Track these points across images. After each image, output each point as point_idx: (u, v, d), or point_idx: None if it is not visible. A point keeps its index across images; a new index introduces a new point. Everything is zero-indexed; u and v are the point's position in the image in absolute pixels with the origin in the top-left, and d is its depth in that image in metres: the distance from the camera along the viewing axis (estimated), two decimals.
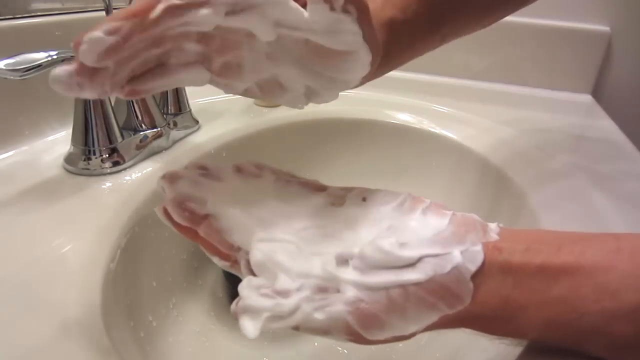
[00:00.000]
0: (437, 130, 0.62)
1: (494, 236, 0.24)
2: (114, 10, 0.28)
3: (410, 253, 0.23)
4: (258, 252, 0.24)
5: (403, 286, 0.22)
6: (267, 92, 0.28)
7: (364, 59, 0.28)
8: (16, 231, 0.35)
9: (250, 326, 0.22)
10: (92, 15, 0.52)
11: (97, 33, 0.20)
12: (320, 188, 0.30)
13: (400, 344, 0.45)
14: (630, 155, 0.55)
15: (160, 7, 0.21)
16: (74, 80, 0.21)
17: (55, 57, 0.37)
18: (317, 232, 0.26)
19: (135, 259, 0.39)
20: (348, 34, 0.26)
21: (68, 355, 0.26)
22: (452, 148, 0.59)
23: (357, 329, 0.22)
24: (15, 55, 0.35)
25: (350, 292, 0.23)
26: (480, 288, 0.23)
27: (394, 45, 0.32)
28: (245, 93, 0.28)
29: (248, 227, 0.26)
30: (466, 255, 0.23)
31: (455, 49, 0.84)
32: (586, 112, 0.74)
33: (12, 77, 0.34)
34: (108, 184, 0.42)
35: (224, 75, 0.26)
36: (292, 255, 0.24)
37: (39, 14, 0.48)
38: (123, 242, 0.37)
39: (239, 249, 0.26)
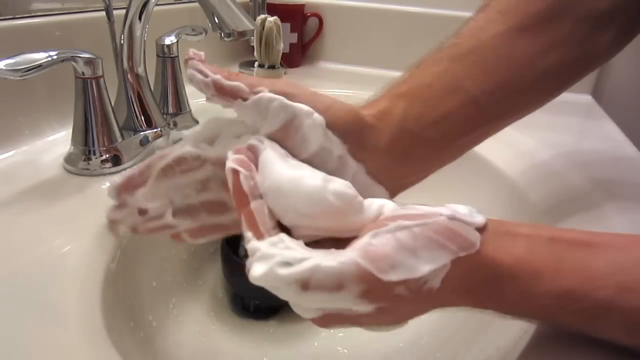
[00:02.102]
0: None
1: None
2: None
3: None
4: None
5: (408, 228, 0.23)
6: None
7: None
8: (16, 231, 0.35)
9: (257, 267, 0.22)
10: (92, 15, 0.52)
11: None
12: None
13: (401, 344, 0.45)
14: (630, 156, 0.55)
15: None
16: None
17: (55, 57, 0.37)
18: None
19: (135, 259, 0.39)
20: None
21: (68, 355, 0.26)
22: None
23: (369, 267, 0.21)
24: (15, 55, 0.35)
25: (358, 242, 0.23)
26: (489, 241, 0.23)
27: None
28: None
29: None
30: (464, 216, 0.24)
31: None
32: (586, 112, 0.74)
33: (12, 77, 0.34)
34: (108, 184, 0.42)
35: None
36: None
37: (39, 14, 0.48)
38: (123, 242, 0.37)
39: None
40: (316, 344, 0.47)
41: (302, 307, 0.24)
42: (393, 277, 0.22)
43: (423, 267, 0.22)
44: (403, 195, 0.32)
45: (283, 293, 0.22)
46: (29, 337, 0.26)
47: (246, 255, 0.24)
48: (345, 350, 0.46)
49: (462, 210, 0.24)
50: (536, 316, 0.25)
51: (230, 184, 0.25)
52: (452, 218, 0.23)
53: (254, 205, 0.25)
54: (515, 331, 0.31)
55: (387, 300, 0.23)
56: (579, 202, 0.44)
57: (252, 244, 0.23)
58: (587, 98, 0.78)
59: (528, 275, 0.23)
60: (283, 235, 0.23)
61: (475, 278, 0.23)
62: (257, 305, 0.49)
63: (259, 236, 0.24)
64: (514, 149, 0.56)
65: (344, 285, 0.21)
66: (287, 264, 0.22)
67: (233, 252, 0.47)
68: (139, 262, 0.40)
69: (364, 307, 0.23)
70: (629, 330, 0.23)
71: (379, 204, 0.26)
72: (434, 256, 0.22)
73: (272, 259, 0.22)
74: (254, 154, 0.27)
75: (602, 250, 0.24)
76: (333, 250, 0.23)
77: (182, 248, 0.48)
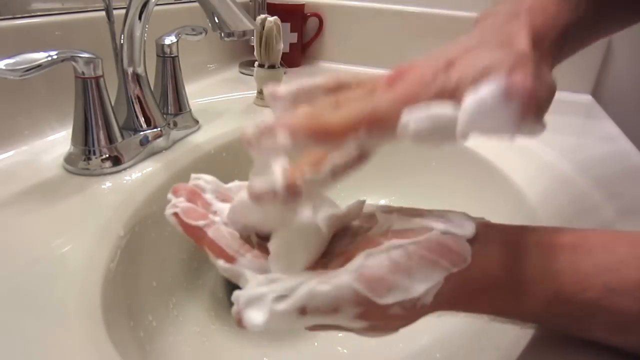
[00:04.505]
0: None
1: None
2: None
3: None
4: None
5: (402, 246, 0.22)
6: None
7: None
8: (16, 231, 0.35)
9: (256, 315, 0.21)
10: (92, 15, 0.52)
11: None
12: None
13: (401, 344, 0.45)
14: (630, 156, 0.55)
15: None
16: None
17: (55, 57, 0.37)
18: None
19: (135, 259, 0.39)
20: None
21: (68, 355, 0.26)
22: (452, 148, 0.59)
23: (366, 293, 0.21)
24: (15, 55, 0.35)
25: (352, 263, 0.22)
26: (479, 253, 0.23)
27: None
28: None
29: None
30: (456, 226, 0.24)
31: None
32: (586, 112, 0.74)
33: (12, 77, 0.34)
34: (108, 184, 0.42)
35: None
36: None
37: (39, 14, 0.48)
38: (123, 242, 0.37)
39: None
40: (316, 344, 0.47)
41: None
42: (389, 300, 0.22)
43: (418, 287, 0.22)
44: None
45: (281, 323, 0.21)
46: (29, 337, 0.26)
47: None
48: (345, 351, 0.46)
49: (454, 219, 0.24)
50: (525, 319, 0.26)
51: (179, 228, 0.26)
52: (444, 232, 0.23)
53: (211, 233, 0.25)
54: (515, 331, 0.31)
55: (381, 319, 0.23)
56: (578, 202, 0.44)
57: (235, 293, 0.22)
58: (587, 98, 0.78)
59: (515, 282, 0.23)
60: (260, 277, 0.22)
61: (465, 289, 0.23)
62: None
63: (230, 259, 0.25)
64: (514, 148, 0.56)
65: (340, 309, 0.21)
66: (282, 296, 0.21)
67: None
68: (139, 262, 0.40)
69: (358, 325, 0.23)
70: (618, 331, 0.23)
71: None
72: (428, 275, 0.22)
73: (265, 298, 0.21)
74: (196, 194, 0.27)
75: (587, 250, 0.24)
76: (322, 271, 0.23)
77: (182, 248, 0.48)
